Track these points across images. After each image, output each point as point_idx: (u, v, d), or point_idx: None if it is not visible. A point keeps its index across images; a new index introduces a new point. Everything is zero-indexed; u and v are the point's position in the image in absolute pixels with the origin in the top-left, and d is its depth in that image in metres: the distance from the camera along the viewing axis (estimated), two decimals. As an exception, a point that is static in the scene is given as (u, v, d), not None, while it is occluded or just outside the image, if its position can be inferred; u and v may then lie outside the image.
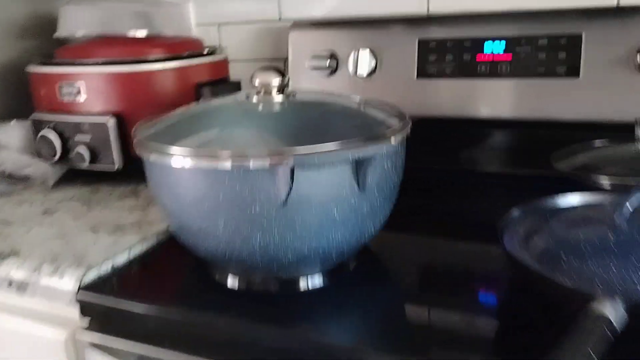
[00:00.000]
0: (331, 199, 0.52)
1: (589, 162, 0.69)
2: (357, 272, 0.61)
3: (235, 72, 0.99)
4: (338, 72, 0.91)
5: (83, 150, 0.85)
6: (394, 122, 0.56)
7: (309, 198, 0.51)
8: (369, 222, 0.56)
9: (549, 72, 0.78)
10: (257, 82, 0.61)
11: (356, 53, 0.87)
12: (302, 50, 0.93)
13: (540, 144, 0.79)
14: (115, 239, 0.68)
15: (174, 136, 0.56)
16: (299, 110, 0.59)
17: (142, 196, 0.83)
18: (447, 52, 0.83)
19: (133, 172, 0.87)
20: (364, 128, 0.55)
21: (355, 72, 0.88)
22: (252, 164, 0.49)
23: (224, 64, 0.94)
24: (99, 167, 0.86)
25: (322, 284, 0.58)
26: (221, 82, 0.91)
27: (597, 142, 0.73)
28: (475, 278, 0.60)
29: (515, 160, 0.83)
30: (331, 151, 0.49)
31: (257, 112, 0.60)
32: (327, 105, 0.61)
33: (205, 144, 0.53)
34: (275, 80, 0.60)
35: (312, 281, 0.58)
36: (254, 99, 0.61)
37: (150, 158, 0.54)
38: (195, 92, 0.88)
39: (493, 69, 0.81)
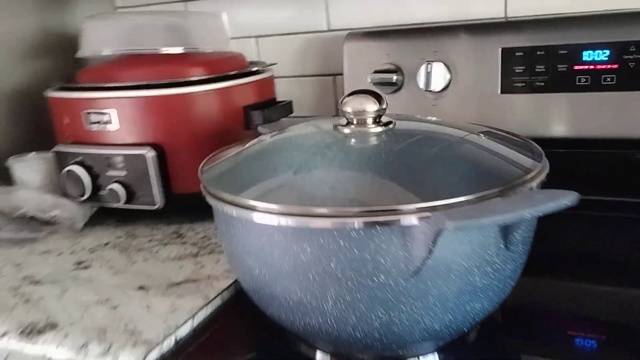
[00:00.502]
0: (474, 262, 0.41)
1: None
2: (479, 345, 0.49)
3: (278, 91, 0.87)
4: (404, 88, 0.79)
5: (117, 187, 0.73)
6: (526, 159, 0.45)
7: (448, 263, 0.40)
8: (508, 284, 0.45)
9: (667, 83, 0.66)
10: (348, 109, 0.49)
11: (429, 65, 0.76)
12: (359, 64, 0.82)
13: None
14: (172, 301, 0.56)
15: (254, 181, 0.45)
16: (404, 145, 0.47)
17: (189, 240, 0.71)
18: (537, 62, 0.72)
19: (174, 210, 0.75)
20: (496, 172, 0.43)
21: (427, 87, 0.77)
22: (390, 220, 0.37)
23: (270, 82, 0.83)
24: (136, 206, 0.74)
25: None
26: (270, 104, 0.79)
27: None
28: None
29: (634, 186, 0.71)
30: (494, 208, 0.37)
31: (351, 149, 0.48)
32: (438, 139, 0.49)
33: (302, 194, 0.42)
34: (372, 108, 0.49)
35: (426, 360, 0.46)
36: (345, 131, 0.49)
37: (233, 213, 0.42)
38: (244, 117, 0.76)
39: (595, 81, 0.70)
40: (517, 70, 0.73)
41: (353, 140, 0.49)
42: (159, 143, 0.72)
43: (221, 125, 0.75)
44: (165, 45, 0.79)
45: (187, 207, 0.76)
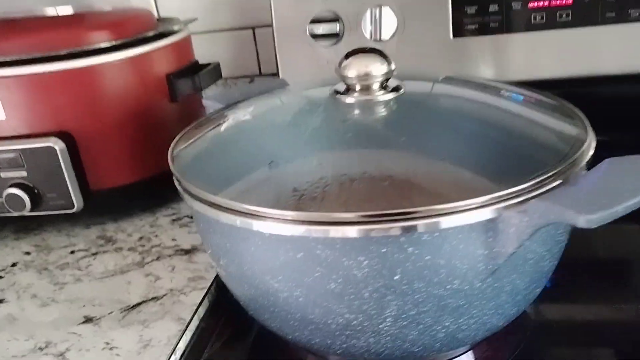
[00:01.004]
0: (547, 246, 0.35)
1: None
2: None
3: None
4: (344, 39, 0.70)
5: (17, 192, 0.57)
6: (569, 126, 0.39)
7: (526, 253, 0.33)
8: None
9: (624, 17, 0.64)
10: (352, 73, 0.40)
11: (375, 11, 0.67)
12: (291, 12, 0.71)
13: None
14: (137, 333, 0.45)
15: (259, 179, 0.35)
16: (428, 117, 0.39)
17: (123, 245, 0.58)
18: (490, 1, 0.67)
19: (89, 210, 0.61)
20: (544, 147, 0.36)
21: (375, 36, 0.68)
22: (474, 216, 0.30)
23: (189, 43, 0.69)
24: (47, 212, 0.59)
25: None
26: (195, 69, 0.66)
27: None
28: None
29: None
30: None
31: (358, 123, 0.39)
32: (463, 107, 0.41)
33: (345, 193, 0.32)
34: (380, 70, 0.40)
35: None
36: (347, 100, 0.40)
37: (252, 226, 0.32)
38: (168, 88, 0.63)
39: (550, 19, 0.66)
40: (469, 12, 0.67)
41: (357, 110, 0.40)
42: (66, 131, 0.58)
43: (141, 101, 0.61)
44: (50, 5, 0.63)
45: (108, 205, 0.62)
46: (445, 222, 0.29)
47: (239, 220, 0.32)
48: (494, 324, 0.36)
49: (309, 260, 0.32)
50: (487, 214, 0.30)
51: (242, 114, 0.45)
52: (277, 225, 0.31)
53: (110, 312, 0.48)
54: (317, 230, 0.30)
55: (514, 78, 0.68)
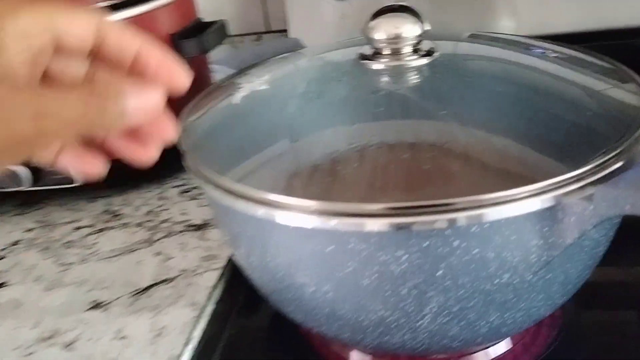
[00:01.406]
0: (604, 231, 0.31)
1: None
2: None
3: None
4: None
5: (18, 166, 0.54)
6: (628, 94, 0.34)
7: (583, 241, 0.29)
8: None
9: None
10: (381, 35, 0.35)
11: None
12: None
13: None
14: (150, 319, 0.42)
15: (284, 163, 0.31)
16: (463, 84, 0.35)
17: (131, 220, 0.55)
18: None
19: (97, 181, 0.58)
20: (604, 122, 0.32)
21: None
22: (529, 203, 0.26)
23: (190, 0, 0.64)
24: (50, 186, 0.56)
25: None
26: (200, 28, 0.61)
27: None
28: None
29: None
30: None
31: (390, 94, 0.35)
32: (507, 72, 0.37)
33: (380, 181, 0.28)
34: (413, 32, 0.35)
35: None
36: (375, 66, 0.36)
37: (278, 218, 0.28)
38: (173, 50, 0.58)
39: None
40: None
41: (388, 78, 0.36)
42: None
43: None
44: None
45: (112, 177, 0.58)
46: (498, 212, 0.26)
47: (261, 211, 0.28)
48: (541, 314, 0.32)
49: (341, 254, 0.28)
50: (544, 202, 0.26)
51: (256, 82, 0.41)
52: (304, 217, 0.27)
53: (120, 297, 0.45)
54: (350, 224, 0.27)
55: (532, 32, 0.63)
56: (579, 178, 0.26)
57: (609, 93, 0.34)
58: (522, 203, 0.26)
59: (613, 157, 0.27)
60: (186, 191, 0.59)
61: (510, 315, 0.30)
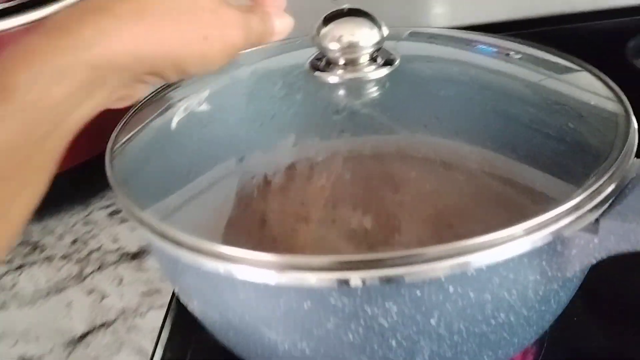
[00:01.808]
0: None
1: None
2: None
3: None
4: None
5: None
6: (598, 98, 0.32)
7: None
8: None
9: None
10: (334, 44, 0.31)
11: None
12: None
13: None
14: (91, 376, 0.37)
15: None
16: (432, 98, 0.31)
17: (54, 252, 0.48)
18: None
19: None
20: (591, 140, 0.29)
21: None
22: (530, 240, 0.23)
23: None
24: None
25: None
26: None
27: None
28: None
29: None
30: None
31: (349, 114, 0.31)
32: (480, 83, 0.33)
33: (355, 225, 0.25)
34: (371, 39, 0.32)
35: None
36: (330, 79, 0.32)
37: (219, 270, 0.24)
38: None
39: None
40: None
41: (344, 93, 0.32)
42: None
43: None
44: None
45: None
46: (497, 254, 0.23)
47: (221, 267, 0.24)
48: (531, 341, 0.30)
49: (320, 310, 0.24)
50: (543, 239, 0.23)
51: (192, 97, 0.36)
52: (272, 273, 0.23)
53: (51, 349, 0.39)
54: (330, 279, 0.23)
55: (465, 22, 0.61)
56: (576, 207, 0.24)
57: (584, 99, 0.32)
58: (518, 242, 0.23)
59: (607, 178, 0.25)
60: (115, 212, 0.53)
61: (504, 351, 0.28)
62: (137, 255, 0.47)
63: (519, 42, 0.37)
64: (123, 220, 0.51)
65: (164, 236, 0.26)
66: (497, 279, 0.24)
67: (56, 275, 0.46)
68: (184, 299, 0.31)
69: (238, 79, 0.36)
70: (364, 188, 0.26)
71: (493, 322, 0.26)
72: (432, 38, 0.38)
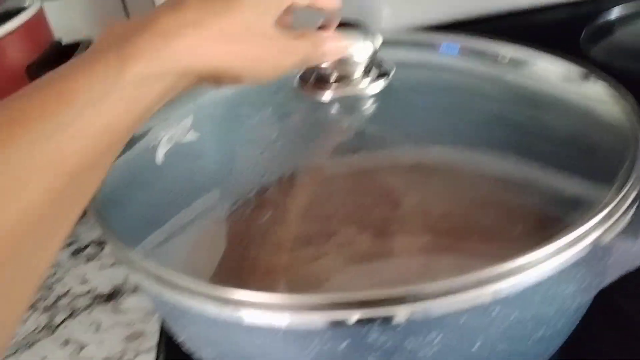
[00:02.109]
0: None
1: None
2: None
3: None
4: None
5: None
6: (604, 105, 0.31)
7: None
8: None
9: None
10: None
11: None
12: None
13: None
14: None
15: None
16: (432, 114, 0.30)
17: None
18: None
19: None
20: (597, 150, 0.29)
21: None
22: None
23: (42, 20, 0.52)
24: None
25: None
26: (61, 53, 0.51)
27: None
28: None
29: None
30: None
31: (345, 137, 0.30)
32: (473, 91, 0.32)
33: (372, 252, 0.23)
34: (364, 52, 0.30)
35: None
36: (321, 98, 0.30)
37: (242, 319, 0.22)
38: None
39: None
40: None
41: (338, 115, 0.30)
42: None
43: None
44: None
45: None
46: (541, 270, 0.22)
47: (242, 314, 0.22)
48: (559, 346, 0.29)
49: (357, 350, 0.23)
50: (586, 248, 0.22)
51: (174, 123, 0.33)
52: (301, 316, 0.21)
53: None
54: (372, 314, 0.21)
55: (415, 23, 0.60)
56: (610, 213, 0.23)
57: (594, 105, 0.31)
58: (561, 255, 0.22)
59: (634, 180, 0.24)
60: (78, 250, 0.49)
61: (536, 363, 0.27)
62: (111, 296, 0.43)
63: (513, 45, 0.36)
64: (89, 259, 0.48)
65: (169, 284, 0.23)
66: (538, 297, 0.23)
67: (24, 328, 0.42)
68: (191, 348, 0.28)
69: (223, 99, 0.34)
70: (370, 217, 0.25)
71: (534, 336, 0.25)
72: (415, 45, 0.37)
